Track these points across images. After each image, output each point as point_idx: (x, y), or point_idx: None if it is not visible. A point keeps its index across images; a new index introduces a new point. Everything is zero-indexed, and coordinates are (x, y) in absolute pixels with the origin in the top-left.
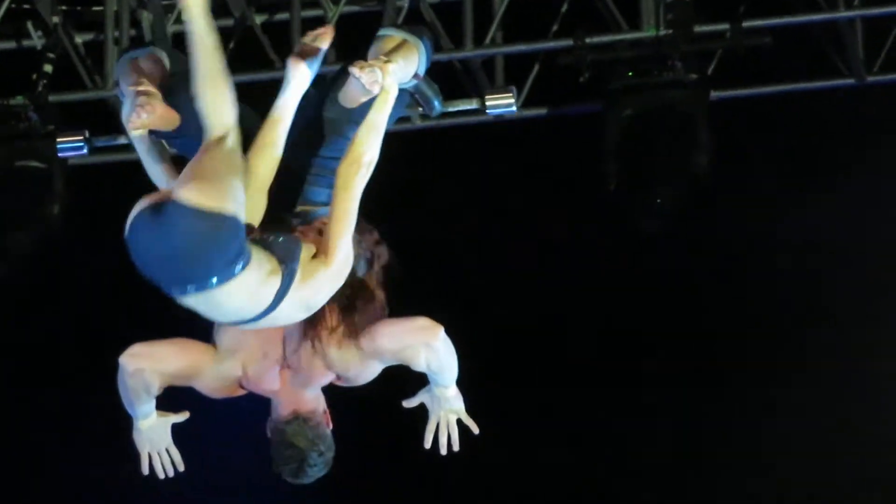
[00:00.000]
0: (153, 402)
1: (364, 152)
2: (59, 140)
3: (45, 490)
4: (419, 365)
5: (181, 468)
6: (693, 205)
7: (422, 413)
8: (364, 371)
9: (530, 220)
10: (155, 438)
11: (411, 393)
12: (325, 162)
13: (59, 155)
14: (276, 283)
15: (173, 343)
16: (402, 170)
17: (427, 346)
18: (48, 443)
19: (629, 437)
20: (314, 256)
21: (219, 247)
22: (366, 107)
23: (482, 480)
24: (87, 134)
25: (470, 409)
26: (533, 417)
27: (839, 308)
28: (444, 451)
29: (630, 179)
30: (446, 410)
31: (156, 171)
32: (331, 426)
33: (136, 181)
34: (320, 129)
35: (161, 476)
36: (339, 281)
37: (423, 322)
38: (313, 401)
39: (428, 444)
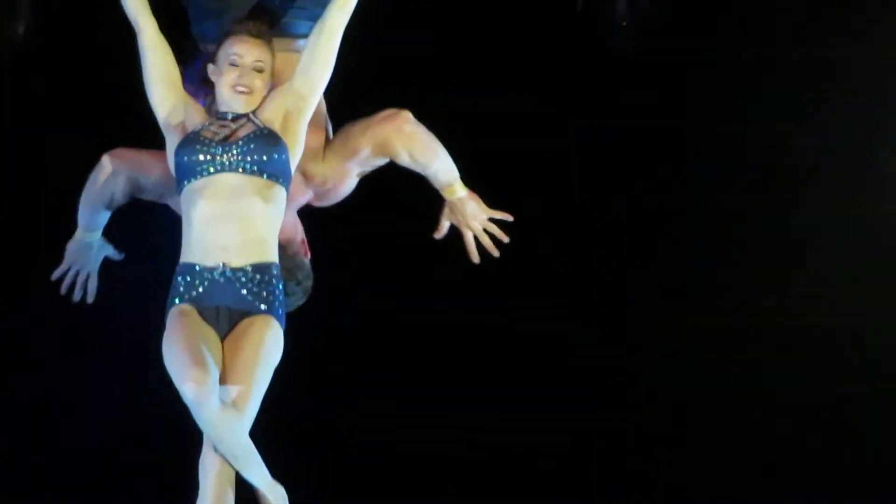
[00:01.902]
0: (107, 217)
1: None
2: None
3: None
4: (401, 156)
5: (90, 299)
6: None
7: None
8: (342, 181)
9: None
10: (85, 256)
11: None
12: None
13: None
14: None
15: (160, 154)
16: None
17: (399, 132)
18: None
19: None
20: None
21: None
22: None
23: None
24: None
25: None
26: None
27: None
28: (496, 253)
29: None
30: (472, 217)
31: (133, 2)
32: (309, 255)
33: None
34: None
35: (64, 291)
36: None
37: (388, 111)
38: (290, 228)
39: (476, 259)
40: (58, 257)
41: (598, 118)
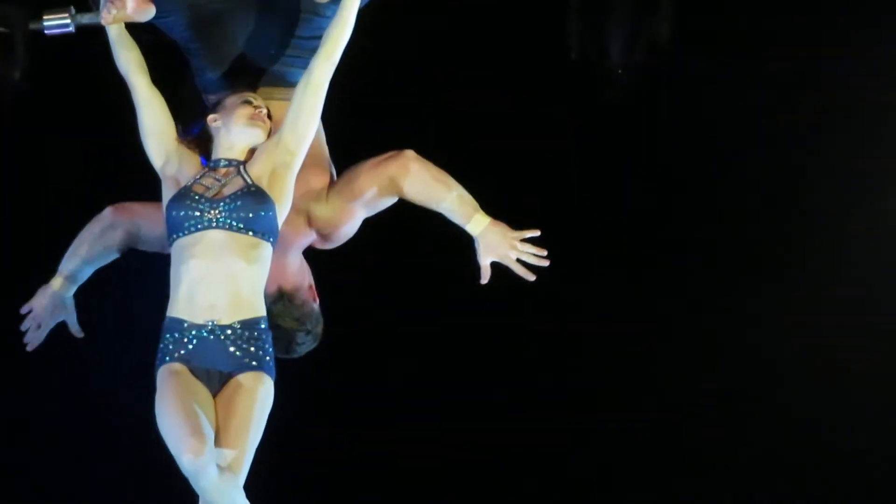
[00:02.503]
0: (90, 272)
1: (338, 50)
2: (45, 17)
3: None
4: (410, 194)
5: (28, 348)
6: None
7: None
8: (345, 225)
9: None
10: (48, 309)
11: None
12: (303, 42)
13: (46, 33)
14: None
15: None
16: None
17: (404, 169)
18: None
19: None
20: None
21: None
22: None
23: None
24: (72, 11)
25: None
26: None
27: None
28: (545, 263)
29: (591, 48)
30: (504, 246)
31: (124, 60)
32: (317, 300)
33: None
34: (296, 9)
35: (24, 328)
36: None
37: (391, 152)
38: (297, 274)
39: (532, 277)
40: None
41: (591, 165)
